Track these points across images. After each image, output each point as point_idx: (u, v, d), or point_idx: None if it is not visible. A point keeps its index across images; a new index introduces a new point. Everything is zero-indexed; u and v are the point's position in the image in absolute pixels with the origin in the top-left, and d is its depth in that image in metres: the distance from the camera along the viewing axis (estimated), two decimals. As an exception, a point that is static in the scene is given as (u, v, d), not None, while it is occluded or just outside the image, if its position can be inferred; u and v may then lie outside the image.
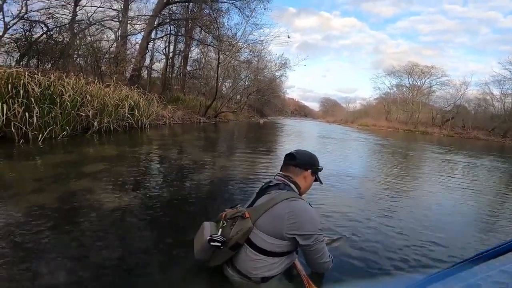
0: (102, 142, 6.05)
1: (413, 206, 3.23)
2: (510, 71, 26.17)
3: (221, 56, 15.06)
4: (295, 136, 13.88)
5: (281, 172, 1.44)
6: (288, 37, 17.51)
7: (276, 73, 27.87)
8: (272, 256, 1.24)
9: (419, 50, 73.22)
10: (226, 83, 23.25)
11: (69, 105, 6.05)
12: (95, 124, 6.78)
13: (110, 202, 2.46)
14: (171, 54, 19.77)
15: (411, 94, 35.31)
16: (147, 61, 17.74)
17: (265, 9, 15.83)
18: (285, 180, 1.39)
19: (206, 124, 14.29)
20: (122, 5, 13.47)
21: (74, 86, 6.51)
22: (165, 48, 19.07)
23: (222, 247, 1.24)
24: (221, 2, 15.71)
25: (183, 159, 4.98)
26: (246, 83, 24.81)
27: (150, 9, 14.90)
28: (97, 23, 12.77)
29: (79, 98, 6.25)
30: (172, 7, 15.92)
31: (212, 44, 16.05)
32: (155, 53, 19.00)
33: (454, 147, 13.97)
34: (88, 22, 12.59)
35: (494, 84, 28.32)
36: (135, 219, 2.20)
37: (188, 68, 21.72)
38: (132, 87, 9.02)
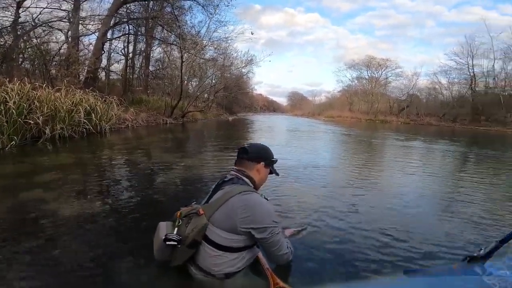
0: (55, 150, 5.65)
1: (377, 194, 3.32)
2: (455, 62, 28.80)
3: (184, 55, 14.65)
4: (263, 131, 14.04)
5: (235, 167, 1.44)
6: (252, 33, 17.66)
7: (243, 70, 28.00)
8: (231, 251, 1.23)
9: (375, 44, 77.80)
10: (192, 82, 22.76)
11: (14, 113, 5.56)
12: (47, 131, 6.30)
13: (64, 210, 2.35)
14: (131, 55, 18.86)
15: (370, 85, 37.42)
16: (104, 63, 16.81)
17: (227, 6, 15.61)
18: (238, 174, 1.39)
19: (173, 125, 13.90)
20: (72, 5, 12.48)
21: (19, 92, 6.00)
22: (124, 48, 18.15)
23: (179, 246, 1.23)
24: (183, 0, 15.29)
25: (145, 162, 4.83)
26: (213, 81, 24.54)
27: (105, 8, 14.00)
28: (44, 25, 11.75)
29: (25, 105, 5.75)
30: (130, 5, 15.11)
31: (174, 42, 15.49)
32: (113, 54, 18.01)
33: (411, 134, 15.03)
34: (33, 23, 11.55)
35: (441, 74, 30.98)
36: (91, 226, 2.13)
37: (151, 68, 20.82)
38: (87, 90, 8.45)
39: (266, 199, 1.39)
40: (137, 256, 1.64)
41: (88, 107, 7.57)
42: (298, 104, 67.66)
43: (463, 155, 7.58)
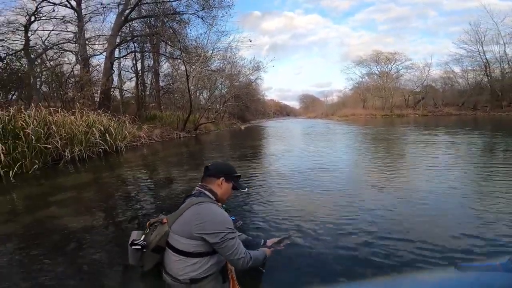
0: (74, 171, 5.99)
1: (399, 200, 3.02)
2: (465, 50, 27.91)
3: (189, 68, 15.01)
4: (274, 137, 14.00)
5: (199, 183, 1.60)
6: (250, 41, 17.84)
7: (251, 77, 28.33)
8: (191, 256, 1.36)
9: (380, 38, 76.14)
10: (203, 94, 23.23)
11: (34, 138, 5.93)
12: (67, 154, 6.65)
13: (73, 225, 2.56)
14: (140, 72, 19.54)
15: (382, 80, 36.63)
16: (117, 82, 17.52)
17: (222, 16, 15.81)
18: (201, 189, 1.55)
19: (186, 139, 14.18)
20: (76, 27, 13.11)
21: (36, 118, 6.39)
22: (133, 66, 18.85)
23: (144, 250, 1.40)
24: (182, 14, 15.63)
25: (153, 177, 5.05)
26: (223, 91, 24.96)
27: (109, 28, 14.54)
28: (54, 47, 12.39)
29: (42, 130, 6.12)
30: (133, 23, 15.72)
31: (178, 57, 15.93)
32: (124, 72, 18.76)
33: (431, 127, 14.30)
34: (43, 46, 12.21)
35: (453, 62, 30.03)
36: (94, 238, 2.31)
37: (161, 83, 21.50)
38: (100, 111, 8.86)
39: (227, 210, 1.56)
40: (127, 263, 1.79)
41: (102, 128, 7.93)
42: (311, 106, 67.24)
43: (490, 146, 6.84)
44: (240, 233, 1.83)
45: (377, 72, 37.93)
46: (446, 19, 62.55)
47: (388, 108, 33.11)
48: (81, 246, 2.15)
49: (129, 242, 1.41)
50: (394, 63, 35.91)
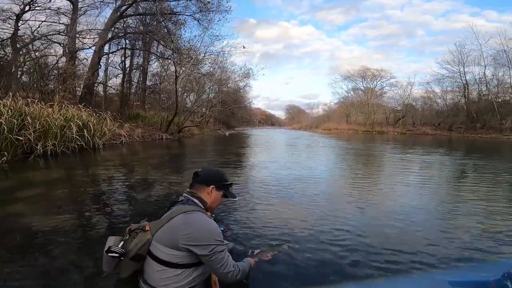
0: (45, 166, 5.68)
1: (372, 209, 3.17)
2: (447, 70, 28.99)
3: (179, 69, 14.87)
4: (258, 146, 13.98)
5: (188, 190, 1.51)
6: (244, 47, 17.92)
7: (240, 84, 28.44)
8: (174, 267, 1.27)
9: (369, 54, 79.38)
10: (190, 97, 22.94)
11: (5, 129, 5.61)
12: (39, 147, 6.32)
13: (38, 224, 2.38)
14: (128, 69, 19.11)
15: (366, 96, 37.89)
16: (102, 77, 17.02)
17: (218, 20, 15.81)
18: (189, 196, 1.46)
19: (169, 141, 13.91)
20: (69, 19, 12.78)
21: (11, 108, 6.07)
22: (121, 62, 18.39)
23: (122, 258, 1.29)
24: (179, 14, 15.53)
25: (130, 178, 4.83)
26: (211, 95, 24.82)
27: (103, 22, 14.17)
28: (43, 38, 11.96)
29: (16, 121, 5.81)
30: (127, 20, 15.43)
31: (169, 57, 15.75)
32: (111, 68, 18.24)
33: (408, 145, 14.84)
34: (31, 36, 11.77)
35: (435, 82, 31.19)
36: (60, 239, 2.15)
37: (148, 82, 21.12)
38: (80, 105, 8.53)
39: (216, 220, 1.46)
40: (96, 268, 1.69)
41: (81, 123, 7.62)
42: (296, 117, 68.22)
43: (461, 166, 7.20)
44: (228, 242, 1.78)
45: (362, 88, 39.25)
46: (433, 39, 66.11)
47: (369, 124, 34.14)
48: (47, 248, 1.98)
49: (105, 249, 1.29)
50: (379, 80, 37.33)
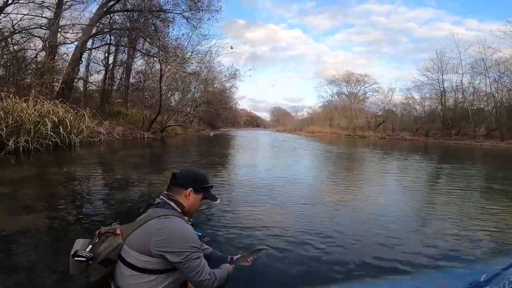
0: (16, 163, 5.42)
1: (350, 211, 3.30)
2: (427, 77, 30.03)
3: (164, 67, 14.62)
4: (243, 148, 13.93)
5: (165, 192, 1.45)
6: (232, 48, 17.93)
7: (226, 84, 28.34)
8: (147, 273, 1.22)
9: (353, 59, 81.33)
10: (175, 96, 22.58)
11: (-26, 124, 5.31)
12: (10, 143, 6.03)
13: (4, 224, 2.29)
14: (111, 66, 18.57)
15: (349, 101, 38.81)
16: (83, 73, 16.42)
17: (208, 20, 15.65)
18: (165, 198, 1.40)
19: (151, 140, 13.61)
20: (53, 13, 12.26)
21: (-19, 102, 5.76)
22: (104, 59, 17.82)
23: (90, 263, 1.23)
24: (168, 12, 15.20)
25: (107, 178, 4.69)
26: (196, 95, 24.55)
27: (88, 17, 13.59)
28: (23, 31, 11.44)
29: (-15, 115, 5.51)
30: (114, 15, 14.98)
31: (155, 55, 15.42)
32: (93, 64, 17.65)
33: (386, 149, 15.37)
34: (11, 29, 11.22)
35: (415, 89, 32.23)
36: (28, 240, 2.07)
37: (132, 80, 20.61)
38: (57, 101, 8.20)
39: (194, 225, 1.42)
40: (65, 269, 1.59)
41: (56, 119, 7.33)
42: (281, 119, 68.73)
43: (435, 170, 7.59)
44: (207, 247, 1.75)
45: (346, 92, 40.14)
46: (415, 46, 68.19)
47: (352, 129, 35.00)
48: (13, 251, 1.90)
49: (72, 253, 1.23)
50: (363, 85, 38.23)
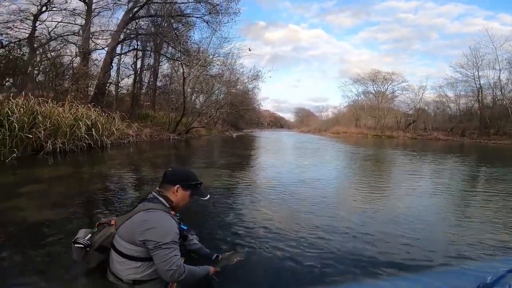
0: (53, 163, 5.90)
1: (377, 219, 3.05)
2: (461, 74, 27.89)
3: (187, 70, 15.11)
4: (264, 149, 13.94)
5: (157, 188, 1.58)
6: (250, 50, 18.09)
7: (249, 86, 28.54)
8: (134, 260, 1.37)
9: (379, 58, 77.63)
10: (199, 98, 23.20)
11: (17, 127, 5.86)
12: (48, 145, 6.57)
13: (33, 218, 2.55)
14: (139, 70, 19.52)
15: (377, 100, 37.26)
16: (114, 77, 17.46)
17: (227, 22, 15.89)
18: (156, 194, 1.53)
19: (176, 141, 14.11)
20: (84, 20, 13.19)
21: (23, 107, 6.33)
22: (133, 63, 18.77)
23: (88, 249, 1.43)
24: (188, 16, 15.80)
25: (134, 177, 4.98)
26: (220, 97, 25.01)
27: (115, 24, 14.46)
28: (58, 38, 12.38)
29: (26, 119, 6.07)
30: (139, 21, 15.74)
31: (178, 59, 15.99)
32: (124, 68, 18.68)
33: (418, 151, 14.17)
34: (48, 37, 12.21)
35: (448, 87, 30.25)
36: (49, 232, 2.29)
37: (158, 83, 21.52)
38: (90, 105, 8.80)
39: (180, 220, 1.58)
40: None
41: (89, 123, 7.87)
42: (305, 120, 67.75)
43: (472, 174, 6.90)
44: (197, 242, 1.84)
45: (373, 91, 38.57)
46: (447, 42, 63.74)
47: (379, 129, 33.57)
48: (35, 240, 2.12)
49: (73, 240, 1.44)
50: (390, 84, 36.48)
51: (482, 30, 29.29)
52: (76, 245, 1.42)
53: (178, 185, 1.55)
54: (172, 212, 1.51)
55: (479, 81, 26.82)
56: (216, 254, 1.80)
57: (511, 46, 24.18)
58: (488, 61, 26.05)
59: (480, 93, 27.08)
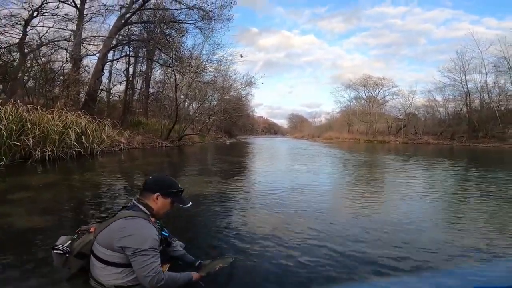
0: (42, 171, 5.82)
1: (371, 221, 3.04)
2: (449, 78, 28.59)
3: (179, 77, 15.13)
4: (258, 155, 13.94)
5: (137, 196, 1.60)
6: (241, 56, 18.24)
7: (242, 92, 28.68)
8: (114, 266, 1.38)
9: (370, 63, 79.20)
10: (192, 105, 23.15)
11: (5, 134, 5.77)
12: (37, 153, 6.47)
13: (19, 224, 2.53)
14: (131, 76, 19.40)
15: (368, 105, 37.83)
16: (106, 84, 17.29)
17: (220, 29, 15.95)
18: (136, 202, 1.55)
19: (169, 148, 13.98)
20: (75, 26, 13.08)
21: (12, 114, 6.25)
22: (125, 69, 18.63)
23: (67, 256, 1.44)
24: (181, 22, 15.82)
25: (120, 184, 4.92)
26: (213, 103, 25.02)
27: (107, 29, 14.44)
28: (49, 43, 12.25)
29: (14, 127, 5.98)
30: (132, 27, 15.73)
31: (170, 65, 15.97)
32: (116, 75, 18.46)
33: (409, 155, 14.42)
34: (38, 42, 12.08)
35: (436, 91, 30.76)
36: (36, 238, 2.27)
37: (151, 90, 21.39)
38: (80, 112, 8.71)
39: (161, 227, 1.58)
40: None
41: (79, 130, 7.78)
42: (299, 126, 68.21)
43: (462, 177, 6.96)
44: (181, 249, 1.84)
45: (364, 96, 39.19)
46: (434, 47, 65.29)
47: (371, 134, 34.01)
48: (21, 246, 2.10)
49: (52, 246, 1.45)
50: (381, 89, 37.16)
51: (468, 34, 29.86)
52: (54, 251, 1.43)
53: (158, 193, 1.57)
54: (153, 219, 1.52)
55: (467, 85, 27.47)
56: (199, 261, 1.79)
57: (497, 49, 24.82)
58: (474, 65, 26.78)
59: (468, 97, 27.68)
